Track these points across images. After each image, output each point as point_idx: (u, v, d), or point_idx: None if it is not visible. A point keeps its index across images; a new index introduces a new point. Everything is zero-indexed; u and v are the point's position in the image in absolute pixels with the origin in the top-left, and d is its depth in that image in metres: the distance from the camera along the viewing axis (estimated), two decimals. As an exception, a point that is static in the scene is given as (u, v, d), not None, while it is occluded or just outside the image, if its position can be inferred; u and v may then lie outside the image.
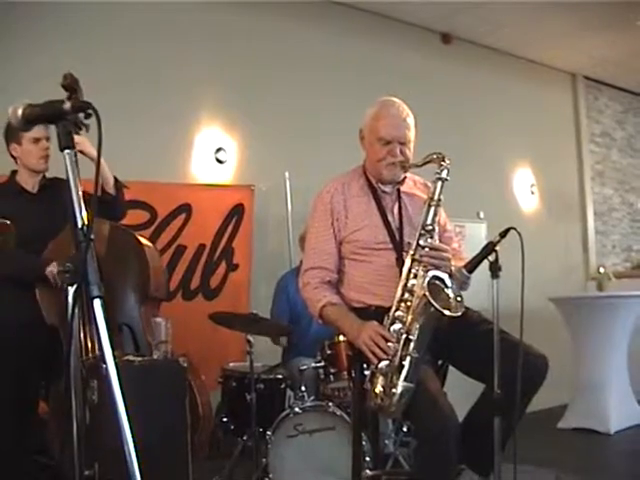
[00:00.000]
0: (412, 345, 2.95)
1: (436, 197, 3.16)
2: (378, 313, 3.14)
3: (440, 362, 3.34)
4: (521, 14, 7.27)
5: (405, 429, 4.67)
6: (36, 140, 3.90)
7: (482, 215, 7.75)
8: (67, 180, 2.04)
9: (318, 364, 4.53)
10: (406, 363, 2.95)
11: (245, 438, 4.57)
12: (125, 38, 5.59)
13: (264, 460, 4.27)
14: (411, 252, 3.10)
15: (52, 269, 3.63)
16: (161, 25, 5.77)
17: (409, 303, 3.02)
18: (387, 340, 3.01)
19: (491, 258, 3.09)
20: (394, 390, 2.94)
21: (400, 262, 3.20)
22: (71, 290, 2.01)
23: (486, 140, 7.95)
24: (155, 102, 5.62)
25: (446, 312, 2.88)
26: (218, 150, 6.06)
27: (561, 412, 6.86)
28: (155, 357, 3.69)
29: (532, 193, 8.66)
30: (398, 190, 3.40)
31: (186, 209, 5.60)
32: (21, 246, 3.77)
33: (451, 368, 3.37)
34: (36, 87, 4.49)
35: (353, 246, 3.31)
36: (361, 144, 3.43)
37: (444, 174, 3.16)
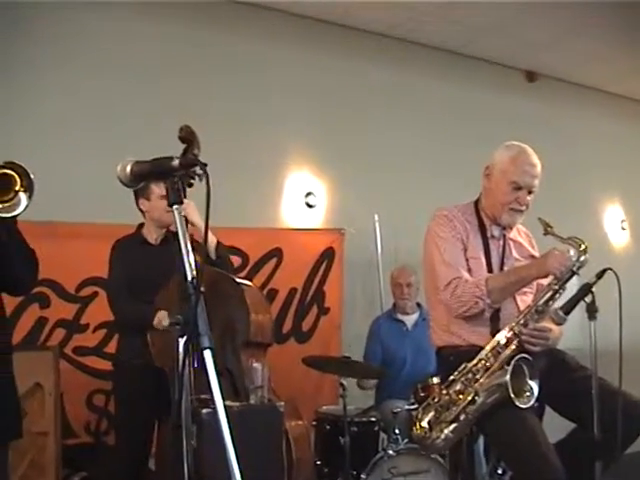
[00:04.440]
0: (473, 407, 3.06)
1: (561, 282, 3.19)
2: (475, 352, 3.18)
3: (537, 404, 3.33)
4: (607, 49, 7.19)
5: (500, 471, 4.60)
6: (164, 197, 4.03)
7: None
8: (176, 234, 2.19)
9: (411, 406, 4.52)
10: (461, 419, 3.08)
11: (339, 481, 4.58)
12: (214, 84, 5.72)
13: (359, 504, 4.27)
14: (513, 324, 3.16)
15: (161, 320, 3.74)
16: (249, 70, 5.88)
17: (488, 364, 3.11)
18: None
19: (588, 299, 3.09)
20: (439, 435, 3.11)
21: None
22: (182, 342, 2.08)
23: (575, 177, 7.83)
24: (245, 148, 5.72)
25: (515, 401, 2.97)
26: (308, 194, 6.16)
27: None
28: (252, 402, 3.74)
29: (623, 229, 8.53)
30: (504, 235, 3.44)
31: (277, 254, 5.69)
32: (136, 295, 3.98)
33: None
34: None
35: None
36: (484, 180, 3.45)
37: (577, 266, 3.22)
